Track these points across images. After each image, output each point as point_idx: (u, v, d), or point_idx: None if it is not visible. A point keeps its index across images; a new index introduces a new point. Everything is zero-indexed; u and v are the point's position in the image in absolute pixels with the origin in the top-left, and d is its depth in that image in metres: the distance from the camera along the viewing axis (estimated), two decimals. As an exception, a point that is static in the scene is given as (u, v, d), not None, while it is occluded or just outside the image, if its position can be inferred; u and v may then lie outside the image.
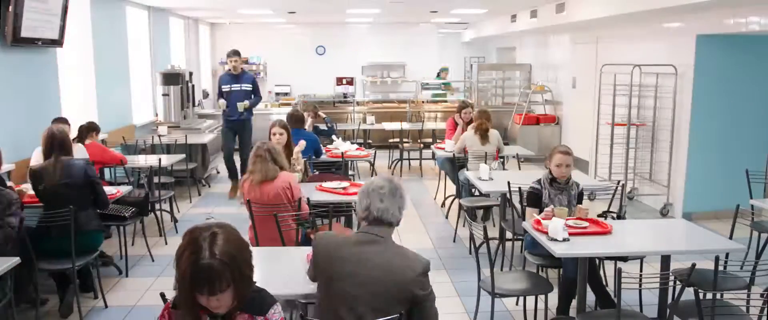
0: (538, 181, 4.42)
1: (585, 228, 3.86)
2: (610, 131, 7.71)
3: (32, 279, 4.19)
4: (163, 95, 9.07)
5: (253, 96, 8.08)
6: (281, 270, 3.29)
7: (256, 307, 2.03)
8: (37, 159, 4.94)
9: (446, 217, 7.13)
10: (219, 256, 1.84)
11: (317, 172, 6.09)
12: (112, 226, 5.71)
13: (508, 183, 5.03)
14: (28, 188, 4.72)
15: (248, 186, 4.32)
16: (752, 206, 5.19)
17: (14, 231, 3.89)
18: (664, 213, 7.29)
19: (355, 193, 4.87)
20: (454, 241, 6.23)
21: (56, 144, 4.44)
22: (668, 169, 7.28)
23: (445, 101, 13.26)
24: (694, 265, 3.21)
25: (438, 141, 9.06)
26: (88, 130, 6.03)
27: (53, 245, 4.24)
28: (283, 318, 2.07)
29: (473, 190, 6.62)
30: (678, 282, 3.75)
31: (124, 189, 5.31)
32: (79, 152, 5.29)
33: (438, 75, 14.05)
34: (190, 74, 9.81)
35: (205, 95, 11.30)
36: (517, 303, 4.48)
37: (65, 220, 4.13)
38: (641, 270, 4.43)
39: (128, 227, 5.74)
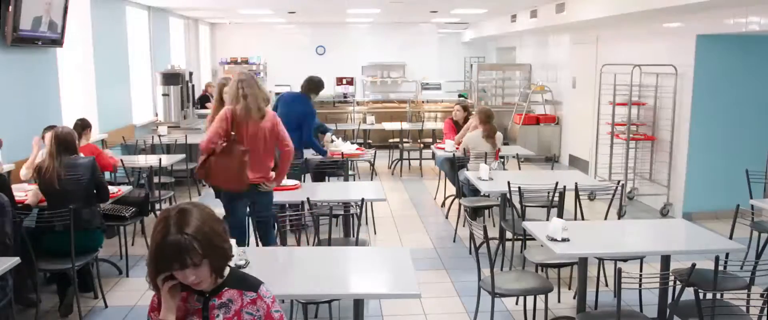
0: None
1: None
2: (610, 131, 7.70)
3: (33, 280, 4.19)
4: (163, 95, 9.07)
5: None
6: (281, 271, 3.29)
7: (247, 284, 2.03)
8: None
9: (446, 217, 7.13)
10: (187, 232, 1.85)
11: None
12: (114, 226, 5.71)
13: (508, 183, 5.03)
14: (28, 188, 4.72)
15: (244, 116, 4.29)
16: (752, 206, 5.19)
17: (12, 240, 3.79)
18: (664, 213, 7.29)
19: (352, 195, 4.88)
20: (454, 241, 6.23)
21: (60, 144, 4.45)
22: (668, 169, 7.27)
23: (445, 101, 13.24)
24: (694, 265, 3.20)
25: (438, 141, 9.05)
26: (81, 128, 5.74)
27: (54, 243, 4.24)
28: (274, 297, 2.05)
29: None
30: (678, 282, 3.75)
31: (124, 189, 5.31)
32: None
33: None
34: (190, 74, 9.82)
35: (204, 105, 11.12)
36: (517, 303, 4.48)
37: (66, 220, 4.13)
38: (641, 270, 4.44)
39: (128, 227, 5.74)
